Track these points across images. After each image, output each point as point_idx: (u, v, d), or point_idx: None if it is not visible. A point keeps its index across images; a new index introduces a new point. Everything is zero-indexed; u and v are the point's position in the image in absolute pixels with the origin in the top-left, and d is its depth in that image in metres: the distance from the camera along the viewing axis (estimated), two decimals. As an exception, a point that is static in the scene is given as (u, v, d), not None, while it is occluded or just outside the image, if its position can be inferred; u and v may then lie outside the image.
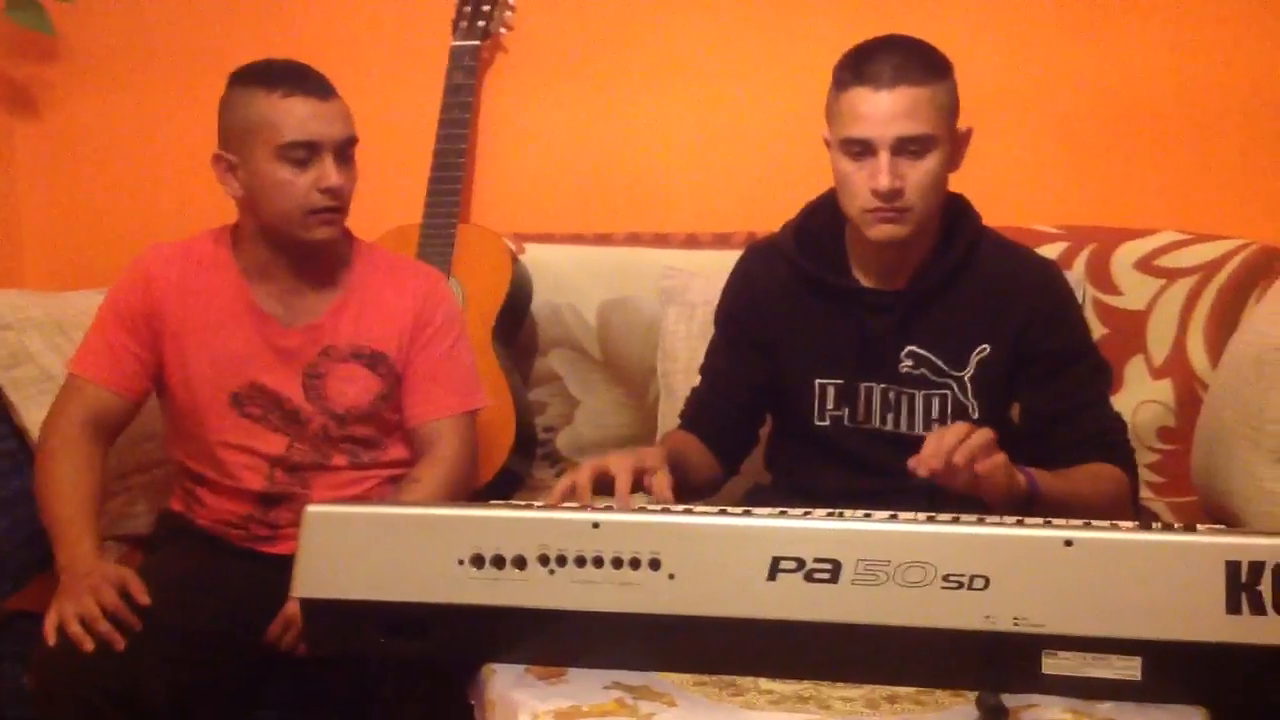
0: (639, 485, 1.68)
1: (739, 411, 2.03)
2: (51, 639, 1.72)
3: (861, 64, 1.79)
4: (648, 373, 2.59)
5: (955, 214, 1.92)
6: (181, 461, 2.06)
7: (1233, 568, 1.28)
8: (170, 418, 2.06)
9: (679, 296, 2.49)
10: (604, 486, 1.67)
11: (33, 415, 2.22)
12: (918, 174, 1.79)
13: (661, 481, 1.68)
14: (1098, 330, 2.37)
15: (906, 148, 1.77)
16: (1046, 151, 2.59)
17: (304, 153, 1.90)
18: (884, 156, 1.77)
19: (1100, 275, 2.40)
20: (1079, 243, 2.41)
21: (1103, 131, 2.57)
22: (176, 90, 2.86)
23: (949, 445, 1.59)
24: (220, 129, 1.97)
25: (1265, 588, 1.27)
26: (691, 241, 2.63)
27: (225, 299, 2.01)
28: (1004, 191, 2.52)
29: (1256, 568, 1.27)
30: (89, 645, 1.70)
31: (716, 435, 2.00)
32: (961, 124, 1.86)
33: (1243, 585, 1.27)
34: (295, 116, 1.89)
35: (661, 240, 2.65)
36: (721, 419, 2.02)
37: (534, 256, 2.62)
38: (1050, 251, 2.37)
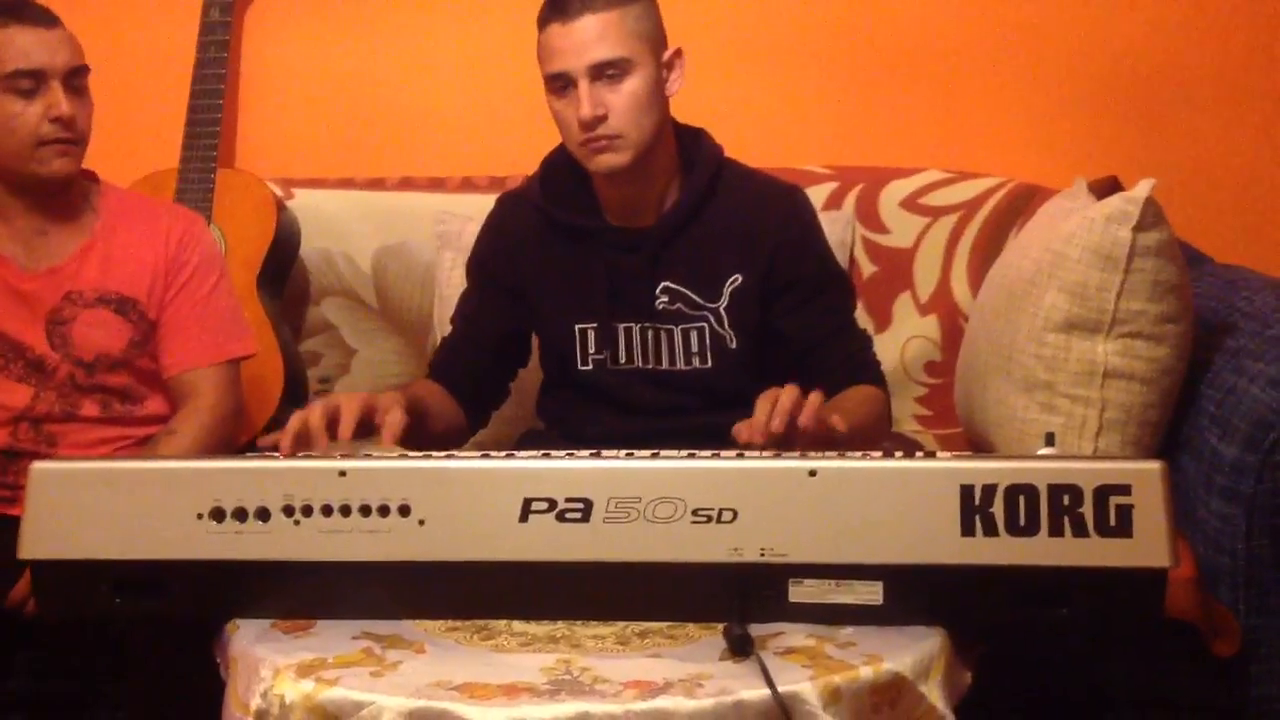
0: (371, 427, 1.62)
1: (488, 359, 2.00)
2: None
3: (553, 2, 1.80)
4: (425, 320, 2.54)
5: (694, 146, 1.92)
6: None
7: (967, 491, 1.31)
8: None
9: (455, 241, 2.45)
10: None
11: None
12: (620, 98, 1.79)
13: (394, 419, 1.61)
14: (867, 268, 2.42)
15: (603, 73, 1.78)
16: (813, 93, 2.61)
17: (29, 82, 1.84)
18: (583, 85, 1.77)
19: (868, 214, 2.44)
20: (847, 182, 2.46)
21: (866, 72, 2.60)
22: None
23: (783, 411, 1.53)
24: None
25: (997, 509, 1.31)
26: (467, 185, 2.58)
27: None
28: (773, 132, 2.55)
29: (989, 490, 1.31)
30: None
31: (463, 383, 1.97)
32: (675, 46, 1.86)
33: (976, 508, 1.31)
34: (16, 46, 1.83)
35: (436, 184, 2.59)
36: (469, 367, 1.98)
37: (303, 202, 2.54)
38: (819, 191, 2.41)
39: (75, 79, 1.87)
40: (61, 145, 1.86)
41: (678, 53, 1.87)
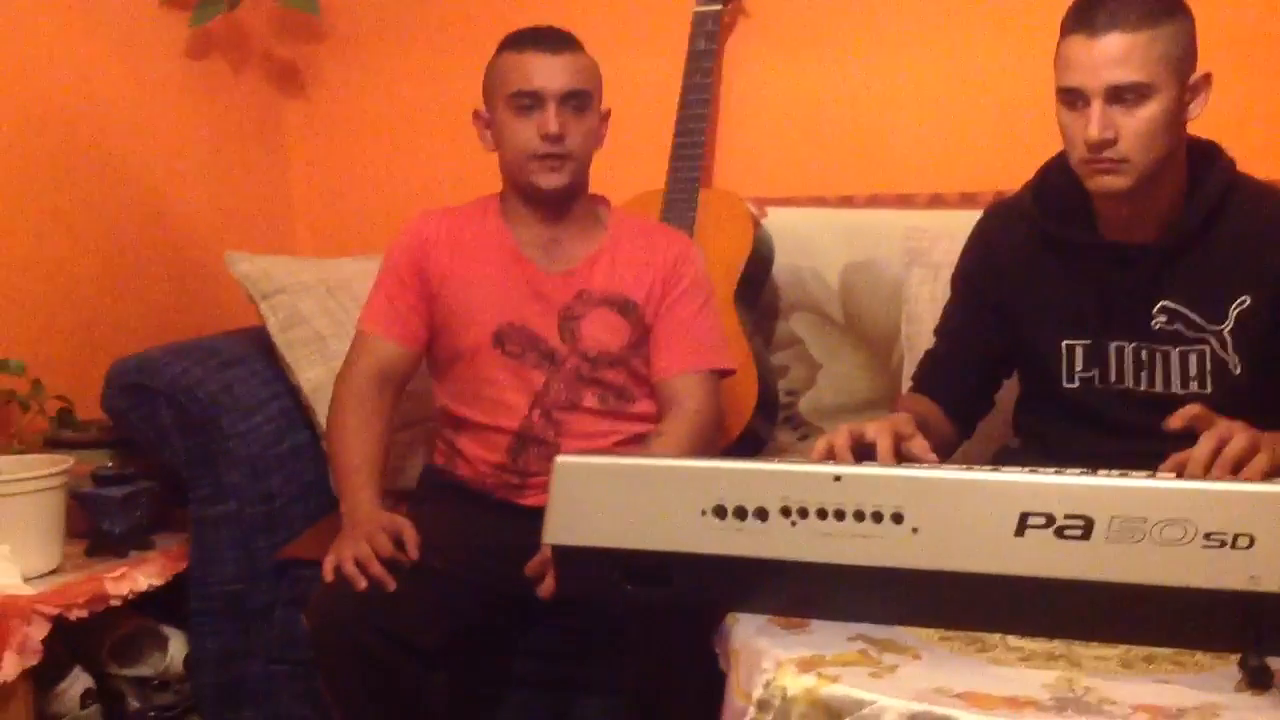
0: (898, 452, 1.64)
1: (975, 375, 1.99)
2: (329, 577, 1.82)
3: (1081, 10, 1.75)
4: (891, 336, 2.56)
5: (1204, 161, 1.83)
6: (446, 408, 2.17)
7: None
8: (438, 364, 2.18)
9: (923, 258, 2.45)
10: (861, 454, 1.63)
11: (306, 374, 2.37)
12: (1133, 123, 1.72)
13: (922, 444, 1.64)
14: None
15: (1120, 96, 1.71)
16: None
17: (527, 101, 2.04)
18: (1096, 105, 1.72)
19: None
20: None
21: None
22: (435, 62, 2.98)
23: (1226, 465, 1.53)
24: (482, 90, 2.13)
25: None
26: (936, 201, 2.59)
27: (491, 247, 2.13)
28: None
29: None
30: (362, 584, 1.79)
31: (952, 398, 1.97)
32: (1204, 68, 1.77)
33: None
34: (522, 70, 2.04)
35: (905, 201, 2.61)
36: (958, 382, 1.98)
37: (776, 220, 2.62)
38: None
39: (574, 100, 2.05)
40: (549, 160, 2.04)
41: (1206, 77, 1.78)
